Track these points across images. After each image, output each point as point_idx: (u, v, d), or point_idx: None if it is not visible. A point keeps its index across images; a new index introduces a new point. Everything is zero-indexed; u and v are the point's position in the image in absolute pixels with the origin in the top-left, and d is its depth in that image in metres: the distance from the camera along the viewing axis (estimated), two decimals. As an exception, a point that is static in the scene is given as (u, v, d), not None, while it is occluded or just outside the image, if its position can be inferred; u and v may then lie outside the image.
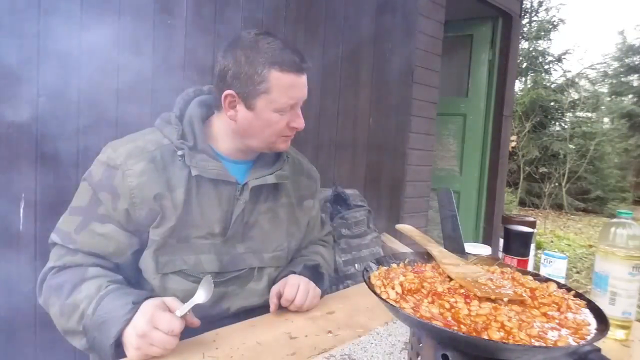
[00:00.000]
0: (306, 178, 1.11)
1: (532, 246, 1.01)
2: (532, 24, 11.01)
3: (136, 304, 0.75)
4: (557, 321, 0.56)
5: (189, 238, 0.90)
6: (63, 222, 0.88)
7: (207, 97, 0.99)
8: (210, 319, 0.92)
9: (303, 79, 0.91)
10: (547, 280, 0.70)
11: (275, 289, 0.95)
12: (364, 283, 0.63)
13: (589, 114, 10.54)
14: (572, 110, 10.08)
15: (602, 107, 11.15)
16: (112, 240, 0.86)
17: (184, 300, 0.88)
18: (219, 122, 0.96)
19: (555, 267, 1.03)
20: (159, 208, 0.86)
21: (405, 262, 0.76)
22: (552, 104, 9.78)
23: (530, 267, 1.00)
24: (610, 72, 12.83)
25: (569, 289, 0.67)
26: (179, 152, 0.88)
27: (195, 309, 0.87)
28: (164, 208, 0.86)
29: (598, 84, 12.52)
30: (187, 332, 0.87)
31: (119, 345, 0.75)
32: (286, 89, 0.87)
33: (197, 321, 0.80)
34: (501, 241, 1.01)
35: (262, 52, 0.86)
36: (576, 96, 10.15)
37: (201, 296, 0.77)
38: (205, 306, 0.90)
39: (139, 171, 0.85)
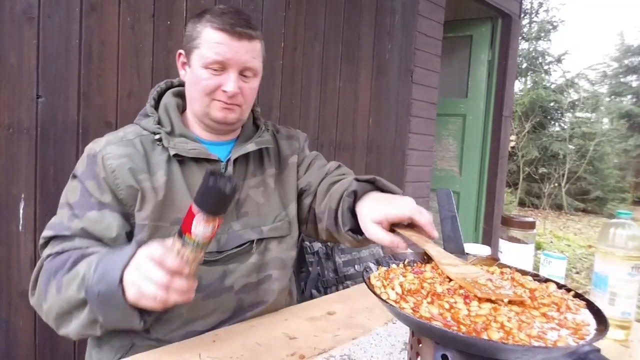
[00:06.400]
0: (286, 140, 1.10)
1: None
2: (532, 25, 11.03)
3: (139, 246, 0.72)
4: (556, 321, 0.56)
5: (180, 220, 0.89)
6: (54, 218, 0.87)
7: (181, 89, 1.00)
8: (215, 296, 0.90)
9: (240, 43, 0.89)
10: (546, 280, 0.70)
11: (381, 229, 0.75)
12: (364, 283, 0.63)
13: (589, 115, 10.57)
14: (571, 110, 10.10)
15: (602, 108, 11.17)
16: (109, 224, 0.84)
17: None
18: (189, 107, 0.98)
19: (554, 268, 1.03)
20: (139, 187, 0.86)
21: (405, 262, 0.76)
22: (552, 104, 9.81)
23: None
24: (609, 73, 12.86)
25: (568, 290, 0.67)
26: (157, 137, 0.90)
27: (200, 288, 0.83)
28: (144, 189, 0.86)
29: (597, 85, 12.56)
30: (188, 333, 0.87)
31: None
32: (214, 44, 0.87)
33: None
34: None
35: (208, 14, 0.90)
36: (576, 96, 10.17)
37: None
38: (208, 284, 0.89)
39: (118, 154, 0.86)
